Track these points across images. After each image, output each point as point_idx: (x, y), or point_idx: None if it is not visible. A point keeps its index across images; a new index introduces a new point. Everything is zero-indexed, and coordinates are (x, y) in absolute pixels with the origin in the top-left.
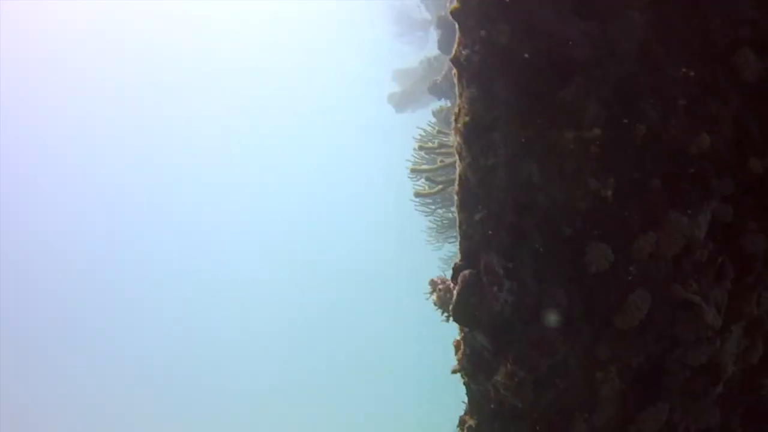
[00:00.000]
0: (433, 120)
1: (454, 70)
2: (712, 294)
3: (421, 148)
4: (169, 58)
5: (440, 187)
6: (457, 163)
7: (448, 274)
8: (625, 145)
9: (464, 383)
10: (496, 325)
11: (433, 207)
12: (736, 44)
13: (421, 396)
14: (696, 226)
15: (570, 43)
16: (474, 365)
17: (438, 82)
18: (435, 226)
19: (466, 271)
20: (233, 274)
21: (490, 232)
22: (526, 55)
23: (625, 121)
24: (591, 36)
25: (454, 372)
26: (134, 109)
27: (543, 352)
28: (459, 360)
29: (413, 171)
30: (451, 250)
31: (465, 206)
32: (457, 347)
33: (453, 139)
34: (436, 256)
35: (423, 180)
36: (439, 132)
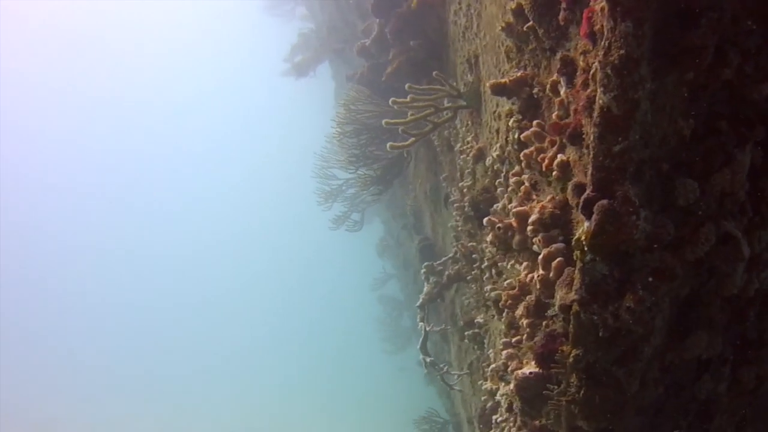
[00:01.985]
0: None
1: (602, 5)
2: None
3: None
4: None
5: (413, 139)
6: (598, 95)
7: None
8: (706, 88)
9: (573, 313)
10: (628, 252)
11: (356, 166)
12: None
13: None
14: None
15: None
16: (591, 294)
17: (367, 44)
18: (328, 188)
19: (604, 201)
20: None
21: (626, 164)
22: None
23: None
24: None
25: (564, 306)
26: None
27: (664, 279)
28: (576, 290)
29: (387, 124)
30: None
31: (604, 138)
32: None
33: (597, 72)
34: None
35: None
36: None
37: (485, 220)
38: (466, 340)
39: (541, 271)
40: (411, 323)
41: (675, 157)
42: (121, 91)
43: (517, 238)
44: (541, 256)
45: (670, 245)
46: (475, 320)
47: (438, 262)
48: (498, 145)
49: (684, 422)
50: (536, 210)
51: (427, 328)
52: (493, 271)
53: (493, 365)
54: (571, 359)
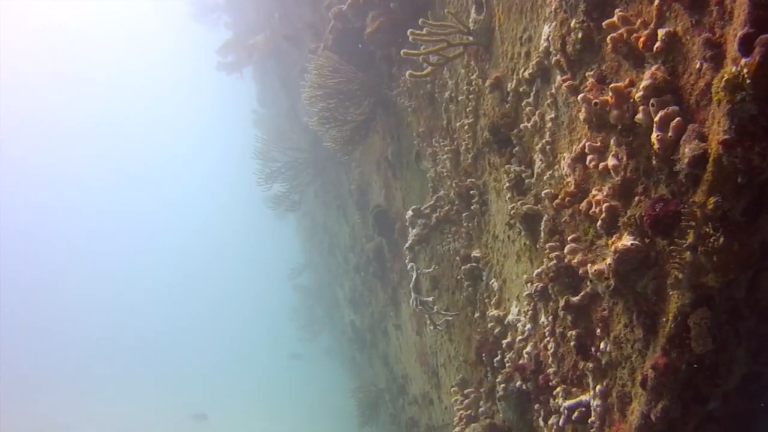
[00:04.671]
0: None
1: None
2: None
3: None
4: None
5: (430, 69)
6: None
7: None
8: None
9: (714, 158)
10: None
11: (327, 126)
12: None
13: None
14: None
15: None
16: (739, 134)
17: (344, 9)
18: (268, 170)
19: (765, 35)
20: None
21: None
22: None
23: None
24: None
25: (696, 157)
26: None
27: None
28: (724, 130)
29: (405, 54)
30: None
31: None
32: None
33: None
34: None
35: None
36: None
37: (580, 97)
38: (459, 277)
39: (658, 133)
40: (323, 311)
41: None
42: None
43: (614, 113)
44: (657, 119)
45: None
46: (472, 255)
47: (425, 206)
48: (534, 62)
49: None
50: (647, 77)
51: (417, 270)
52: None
53: (534, 271)
54: (709, 207)
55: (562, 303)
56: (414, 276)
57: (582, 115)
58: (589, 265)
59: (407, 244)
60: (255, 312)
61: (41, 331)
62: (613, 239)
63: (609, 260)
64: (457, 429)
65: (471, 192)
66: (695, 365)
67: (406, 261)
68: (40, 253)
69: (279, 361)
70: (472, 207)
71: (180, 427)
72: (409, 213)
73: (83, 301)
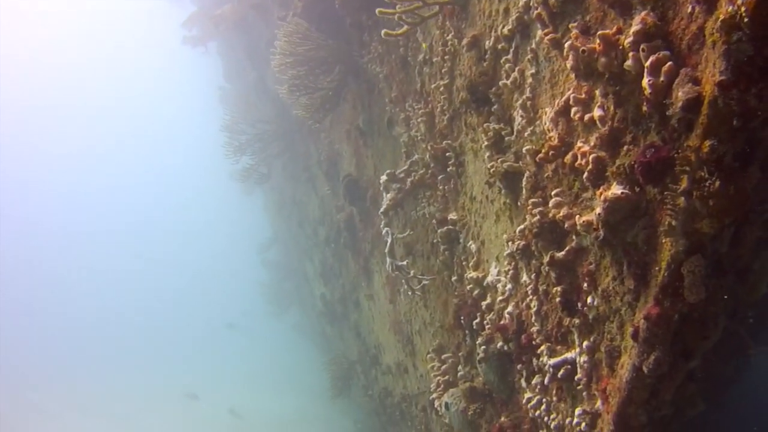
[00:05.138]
0: None
1: None
2: None
3: None
4: None
5: (407, 27)
6: None
7: None
8: None
9: (709, 101)
10: None
11: (297, 94)
12: None
13: None
14: None
15: None
16: (735, 75)
17: None
18: (236, 143)
19: None
20: None
21: None
22: None
23: None
24: None
25: (690, 101)
26: None
27: None
28: (720, 71)
29: (381, 13)
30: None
31: None
32: None
33: None
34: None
35: None
36: None
37: (567, 44)
38: (435, 241)
39: (649, 78)
40: (293, 286)
41: None
42: None
43: (602, 60)
44: (648, 64)
45: None
46: (448, 217)
47: (399, 170)
48: (513, 17)
49: None
50: (637, 22)
51: (393, 234)
52: (497, 149)
53: (516, 229)
54: (705, 151)
55: (546, 259)
56: (389, 241)
57: (569, 63)
58: (576, 216)
59: (382, 209)
60: (230, 288)
61: (22, 316)
62: (601, 190)
63: (598, 210)
64: (434, 395)
65: (447, 154)
66: (686, 316)
67: (381, 226)
68: (20, 236)
69: (240, 338)
70: (448, 169)
71: (174, 407)
72: (384, 178)
73: (50, 281)
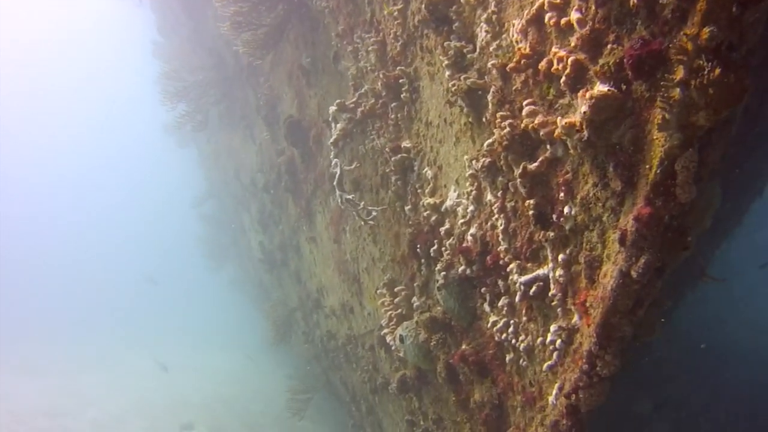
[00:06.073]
0: None
1: None
2: None
3: None
4: None
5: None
6: None
7: None
8: None
9: None
10: None
11: (239, 31)
12: None
13: None
14: None
15: None
16: None
17: None
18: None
19: None
20: None
21: None
22: None
23: None
24: None
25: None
26: None
27: None
28: None
29: None
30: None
31: None
32: None
33: None
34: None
35: None
36: None
37: None
38: (385, 169)
39: None
40: (229, 240)
41: None
42: None
43: None
44: None
45: None
46: (402, 145)
47: (349, 100)
48: None
49: None
50: None
51: (342, 166)
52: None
53: (483, 144)
54: (704, 38)
55: (518, 171)
56: (338, 172)
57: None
58: (558, 119)
59: (332, 139)
60: (168, 244)
61: None
62: (582, 92)
63: (584, 108)
64: (385, 330)
65: (400, 81)
66: (675, 216)
67: (331, 157)
68: None
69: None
70: (402, 95)
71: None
72: (333, 108)
73: None
